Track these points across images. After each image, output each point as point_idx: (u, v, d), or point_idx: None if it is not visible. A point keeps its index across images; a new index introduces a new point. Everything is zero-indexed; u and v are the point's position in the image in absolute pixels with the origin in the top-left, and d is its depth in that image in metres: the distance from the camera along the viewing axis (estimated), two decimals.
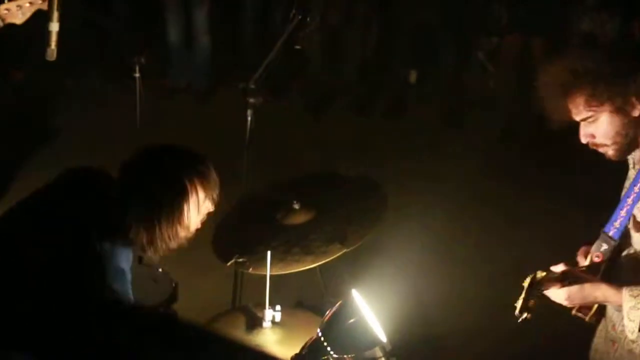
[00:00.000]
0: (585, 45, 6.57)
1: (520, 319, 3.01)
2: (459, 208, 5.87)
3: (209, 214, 3.24)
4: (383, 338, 3.10)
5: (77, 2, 7.63)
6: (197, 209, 3.15)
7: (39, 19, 4.87)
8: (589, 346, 3.42)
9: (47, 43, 4.52)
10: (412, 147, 6.95)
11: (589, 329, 4.35)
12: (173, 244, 3.15)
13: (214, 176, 3.21)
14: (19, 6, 4.56)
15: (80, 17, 7.87)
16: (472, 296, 5.11)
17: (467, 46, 7.59)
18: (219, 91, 7.83)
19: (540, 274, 3.01)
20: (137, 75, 4.46)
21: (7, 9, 4.55)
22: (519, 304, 2.99)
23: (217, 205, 3.22)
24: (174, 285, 3.88)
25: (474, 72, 7.71)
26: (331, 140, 7.04)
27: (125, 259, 3.08)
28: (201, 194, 3.15)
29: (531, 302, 2.99)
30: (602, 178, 6.15)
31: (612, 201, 5.56)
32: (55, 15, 4.44)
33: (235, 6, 8.17)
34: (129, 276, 3.10)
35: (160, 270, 4.01)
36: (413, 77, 8.03)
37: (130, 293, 3.06)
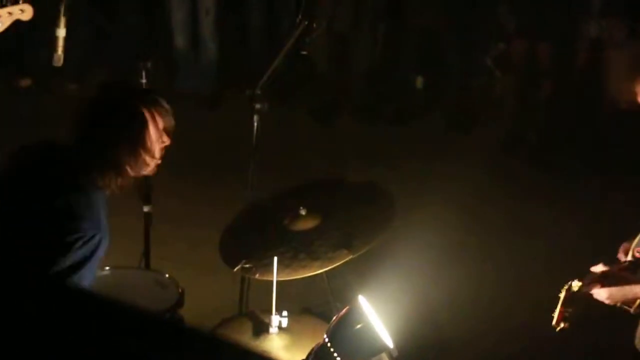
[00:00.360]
0: (593, 50, 6.60)
1: (558, 329, 3.06)
2: (465, 212, 5.88)
3: (168, 145, 3.41)
4: (390, 344, 3.11)
5: (83, 8, 7.63)
6: (158, 133, 3.33)
7: (45, 24, 4.89)
8: (593, 346, 3.45)
9: (54, 49, 4.54)
10: (419, 153, 6.95)
11: (595, 332, 4.37)
12: (139, 173, 3.37)
13: (165, 103, 3.44)
14: None
15: (86, 22, 7.88)
16: (478, 298, 5.12)
17: (474, 52, 7.59)
18: (225, 97, 7.83)
19: (577, 285, 3.06)
20: (144, 80, 4.45)
21: None
22: (555, 314, 3.04)
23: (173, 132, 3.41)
24: (180, 290, 3.88)
25: (481, 77, 7.70)
26: (338, 145, 7.04)
27: (99, 202, 3.24)
28: (159, 119, 3.34)
29: (569, 312, 3.04)
30: (607, 183, 6.20)
31: (616, 205, 5.59)
32: (62, 20, 4.46)
33: (241, 12, 8.18)
34: (103, 220, 3.25)
35: (166, 275, 4.02)
36: (419, 82, 8.02)
37: (104, 237, 3.20)
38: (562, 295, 3.06)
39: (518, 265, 5.46)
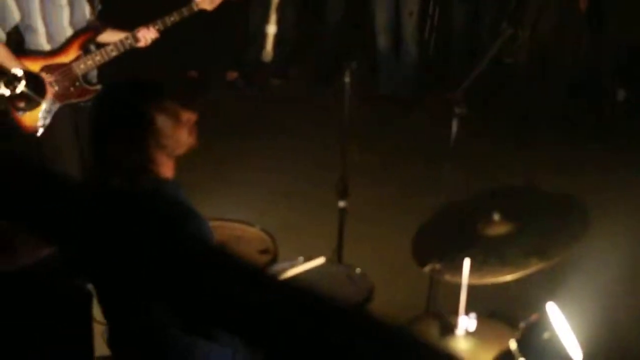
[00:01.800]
0: None
1: None
2: None
3: (197, 118, 3.35)
4: (577, 356, 3.08)
5: (292, 6, 7.85)
6: (175, 119, 3.25)
7: (256, 21, 5.06)
8: None
9: (264, 45, 4.73)
10: (618, 165, 6.81)
11: None
12: (179, 153, 3.29)
13: (172, 91, 3.33)
14: None
15: (294, 20, 8.09)
16: None
17: None
18: (425, 100, 7.89)
19: None
20: (348, 80, 4.55)
21: None
22: None
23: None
24: (370, 286, 3.95)
25: None
26: (535, 154, 6.98)
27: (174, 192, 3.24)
28: (170, 107, 3.25)
29: None
30: None
31: None
32: (273, 18, 4.64)
33: (443, 17, 8.23)
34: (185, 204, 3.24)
35: (358, 270, 4.10)
36: (621, 95, 7.86)
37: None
38: None
39: None
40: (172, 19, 5.00)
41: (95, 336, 3.70)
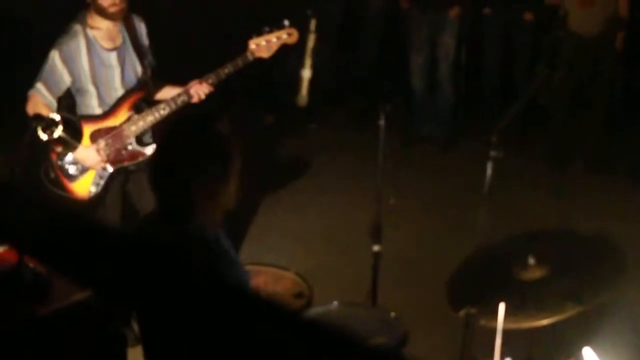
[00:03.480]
0: None
1: None
2: None
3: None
4: None
5: (328, 49, 7.89)
6: (238, 165, 3.23)
7: (292, 65, 5.08)
8: None
9: (299, 89, 4.75)
10: None
11: None
12: (235, 202, 3.26)
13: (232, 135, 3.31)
14: (267, 41, 4.86)
15: (329, 63, 8.12)
16: None
17: None
18: (459, 141, 7.88)
19: None
20: (382, 122, 4.56)
21: (256, 44, 4.85)
22: None
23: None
24: (405, 330, 3.93)
25: None
26: (571, 196, 6.93)
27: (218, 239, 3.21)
28: (237, 153, 3.24)
29: None
30: None
31: None
32: (308, 62, 4.67)
33: (478, 59, 8.24)
34: (230, 253, 3.24)
35: (392, 314, 4.08)
36: None
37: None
38: None
39: None
40: (226, 71, 4.83)
41: None
